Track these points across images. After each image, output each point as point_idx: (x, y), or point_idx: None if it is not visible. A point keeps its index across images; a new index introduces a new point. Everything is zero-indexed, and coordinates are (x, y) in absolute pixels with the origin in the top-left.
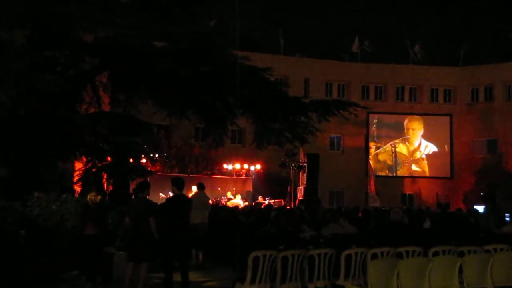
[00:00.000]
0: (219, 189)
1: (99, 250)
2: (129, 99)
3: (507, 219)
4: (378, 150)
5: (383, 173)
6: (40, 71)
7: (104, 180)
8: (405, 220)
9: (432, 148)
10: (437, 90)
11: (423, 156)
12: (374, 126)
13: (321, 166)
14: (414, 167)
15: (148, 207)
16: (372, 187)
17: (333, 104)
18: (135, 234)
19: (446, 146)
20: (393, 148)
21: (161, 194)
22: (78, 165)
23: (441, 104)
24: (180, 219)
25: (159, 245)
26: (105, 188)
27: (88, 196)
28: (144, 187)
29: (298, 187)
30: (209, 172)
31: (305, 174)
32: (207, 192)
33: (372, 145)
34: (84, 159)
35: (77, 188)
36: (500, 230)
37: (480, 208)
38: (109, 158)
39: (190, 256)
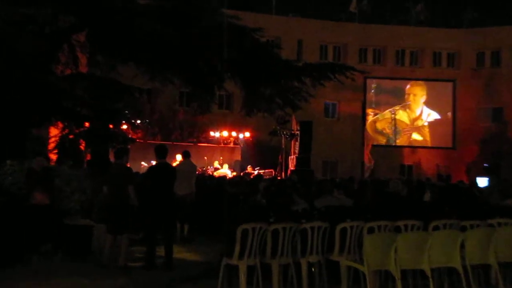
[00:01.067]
0: (206, 158)
1: (57, 223)
2: (109, 60)
3: None
4: (376, 117)
5: (381, 143)
6: (15, 29)
7: (82, 147)
8: (404, 192)
9: (434, 115)
10: (440, 53)
11: (425, 124)
12: (372, 91)
13: (314, 134)
14: (414, 136)
15: (126, 175)
16: (366, 156)
17: (328, 68)
18: (114, 204)
19: (448, 113)
20: (393, 115)
21: (143, 163)
22: (54, 131)
23: (444, 68)
24: (164, 190)
25: (140, 215)
26: (83, 156)
27: (36, 161)
28: (122, 153)
29: (290, 157)
30: (194, 140)
31: (297, 143)
32: (193, 161)
33: (370, 112)
34: (60, 125)
35: (53, 156)
36: (505, 202)
37: (483, 180)
38: (87, 124)
39: (174, 229)
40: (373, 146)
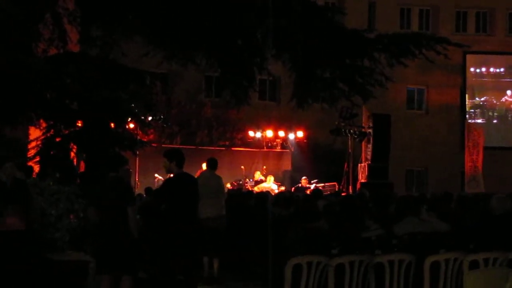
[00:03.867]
0: (243, 167)
1: (37, 258)
2: (108, 34)
3: None
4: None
5: (490, 144)
6: None
7: (72, 154)
8: None
9: None
10: None
11: None
12: (474, 72)
13: (393, 133)
14: None
15: (123, 192)
16: (470, 163)
17: (411, 40)
18: (105, 233)
19: None
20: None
21: (157, 175)
22: (35, 133)
23: None
24: (185, 211)
25: (145, 249)
26: (74, 167)
27: (3, 170)
28: (117, 163)
29: (359, 164)
30: (227, 142)
31: (370, 145)
32: (224, 171)
33: (471, 101)
34: (43, 124)
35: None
36: None
37: None
38: (80, 123)
39: (200, 266)
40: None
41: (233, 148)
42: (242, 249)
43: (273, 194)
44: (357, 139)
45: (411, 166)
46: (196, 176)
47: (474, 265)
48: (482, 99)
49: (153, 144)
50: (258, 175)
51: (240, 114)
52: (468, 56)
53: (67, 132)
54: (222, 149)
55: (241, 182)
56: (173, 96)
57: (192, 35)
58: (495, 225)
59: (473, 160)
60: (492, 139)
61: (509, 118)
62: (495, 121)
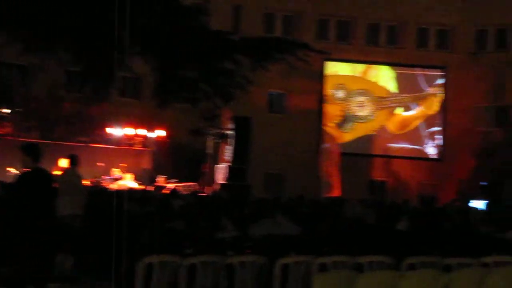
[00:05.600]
0: (102, 164)
1: None
2: None
3: None
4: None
5: (346, 150)
6: None
7: None
8: (371, 217)
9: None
10: (427, 30)
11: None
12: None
13: (254, 135)
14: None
15: None
16: (327, 168)
17: (274, 45)
18: None
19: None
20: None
21: (10, 169)
22: None
23: (431, 51)
24: (39, 209)
25: None
26: None
27: None
28: None
29: (219, 166)
30: (86, 139)
31: (230, 147)
32: (82, 168)
33: (330, 107)
34: None
35: None
36: (505, 234)
37: (479, 204)
38: None
39: (52, 264)
40: (342, 154)
41: (92, 145)
42: (98, 247)
43: (129, 191)
44: (218, 141)
45: (270, 169)
46: (54, 172)
47: (323, 268)
48: (340, 105)
49: (8, 137)
50: (116, 173)
51: (101, 111)
52: (328, 63)
53: None
54: (81, 145)
55: (98, 180)
56: (31, 89)
57: (53, 29)
58: (346, 229)
59: (330, 165)
60: (348, 145)
61: (364, 125)
62: (351, 128)
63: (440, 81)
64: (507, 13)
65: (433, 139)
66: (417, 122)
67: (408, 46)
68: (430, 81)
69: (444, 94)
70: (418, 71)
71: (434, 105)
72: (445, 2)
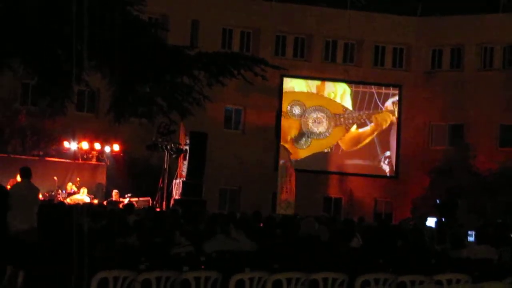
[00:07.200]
0: (56, 178)
1: None
2: None
3: (471, 238)
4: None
5: (301, 167)
6: None
7: None
8: (325, 235)
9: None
10: (383, 48)
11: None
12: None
13: (210, 151)
14: (346, 160)
15: None
16: (282, 185)
17: (231, 60)
18: None
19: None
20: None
21: None
22: None
23: (387, 70)
24: None
25: None
26: None
27: None
28: None
29: (174, 181)
30: (41, 152)
31: (185, 162)
32: (37, 182)
33: (287, 123)
34: None
35: None
36: (458, 253)
37: (433, 222)
38: None
39: (2, 276)
40: (297, 171)
41: (47, 158)
42: (52, 262)
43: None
44: (174, 156)
45: (225, 184)
46: (9, 186)
47: (277, 284)
48: (297, 122)
49: None
50: (70, 187)
51: (56, 124)
52: (286, 80)
53: None
54: (35, 159)
55: (53, 193)
56: None
57: (8, 41)
58: (300, 246)
59: (285, 181)
60: (304, 162)
61: (320, 141)
62: (307, 144)
63: (395, 99)
64: (462, 33)
65: (388, 157)
66: (372, 139)
67: (364, 64)
68: (385, 99)
69: (399, 112)
70: (374, 89)
71: (389, 123)
72: (401, 22)
